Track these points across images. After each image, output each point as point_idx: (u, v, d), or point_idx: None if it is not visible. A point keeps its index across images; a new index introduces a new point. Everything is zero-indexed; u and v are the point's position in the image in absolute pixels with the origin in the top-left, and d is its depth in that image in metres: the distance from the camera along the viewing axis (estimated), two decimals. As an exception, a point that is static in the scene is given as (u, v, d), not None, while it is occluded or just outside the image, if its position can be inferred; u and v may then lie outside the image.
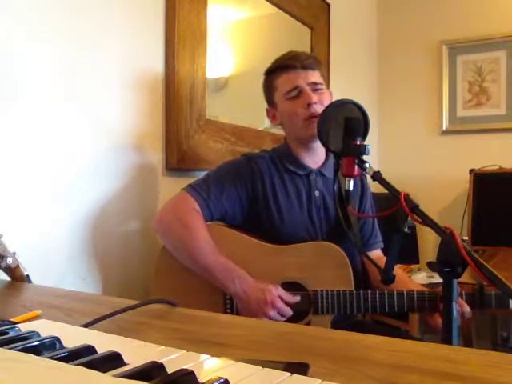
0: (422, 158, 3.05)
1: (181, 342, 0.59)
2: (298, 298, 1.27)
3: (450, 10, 2.98)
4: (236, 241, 1.36)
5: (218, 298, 1.31)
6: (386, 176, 1.10)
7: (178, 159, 1.62)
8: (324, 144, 1.23)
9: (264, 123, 2.06)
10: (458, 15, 2.95)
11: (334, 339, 0.62)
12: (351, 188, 1.18)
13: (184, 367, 0.44)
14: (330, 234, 1.42)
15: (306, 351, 0.57)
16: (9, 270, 0.98)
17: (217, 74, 1.87)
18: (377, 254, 1.55)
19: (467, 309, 1.22)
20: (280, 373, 0.44)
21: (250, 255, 1.33)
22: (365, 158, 1.14)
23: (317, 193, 1.44)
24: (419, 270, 2.62)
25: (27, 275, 1.00)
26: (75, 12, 1.32)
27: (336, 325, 1.29)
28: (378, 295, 1.26)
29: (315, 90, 1.39)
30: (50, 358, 0.45)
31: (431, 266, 0.96)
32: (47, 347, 0.51)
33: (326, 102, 1.34)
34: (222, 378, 0.41)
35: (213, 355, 0.49)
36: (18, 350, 0.48)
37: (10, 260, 0.97)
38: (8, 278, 1.00)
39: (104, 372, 0.43)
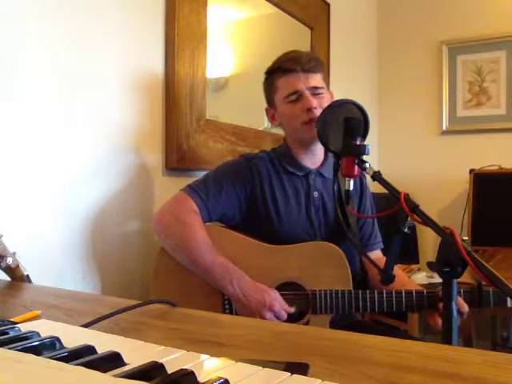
0: (421, 158, 3.05)
1: (181, 342, 0.59)
2: (292, 310, 1.27)
3: (450, 10, 2.97)
4: (234, 241, 1.36)
5: (217, 299, 1.31)
6: (385, 176, 1.10)
7: (177, 159, 1.62)
8: (324, 144, 1.23)
9: (264, 123, 2.06)
10: (458, 15, 2.95)
11: (334, 339, 0.62)
12: (351, 188, 1.18)
13: (184, 367, 0.44)
14: (328, 234, 1.42)
15: (306, 351, 0.57)
16: (9, 269, 0.99)
17: (217, 74, 1.87)
18: (376, 254, 1.54)
19: (466, 309, 1.22)
20: (280, 373, 0.44)
21: (248, 255, 1.33)
22: (365, 157, 1.14)
23: (315, 193, 1.44)
24: (419, 269, 2.62)
25: (27, 275, 1.01)
26: (75, 12, 1.32)
27: (334, 324, 1.29)
28: (376, 295, 1.26)
29: (315, 95, 1.38)
30: (50, 357, 0.45)
31: (431, 265, 0.96)
32: (47, 347, 0.51)
33: None
34: (222, 378, 0.41)
35: (213, 355, 0.49)
36: (18, 350, 0.48)
37: (9, 260, 0.97)
38: (8, 278, 1.00)
39: (104, 372, 0.43)
